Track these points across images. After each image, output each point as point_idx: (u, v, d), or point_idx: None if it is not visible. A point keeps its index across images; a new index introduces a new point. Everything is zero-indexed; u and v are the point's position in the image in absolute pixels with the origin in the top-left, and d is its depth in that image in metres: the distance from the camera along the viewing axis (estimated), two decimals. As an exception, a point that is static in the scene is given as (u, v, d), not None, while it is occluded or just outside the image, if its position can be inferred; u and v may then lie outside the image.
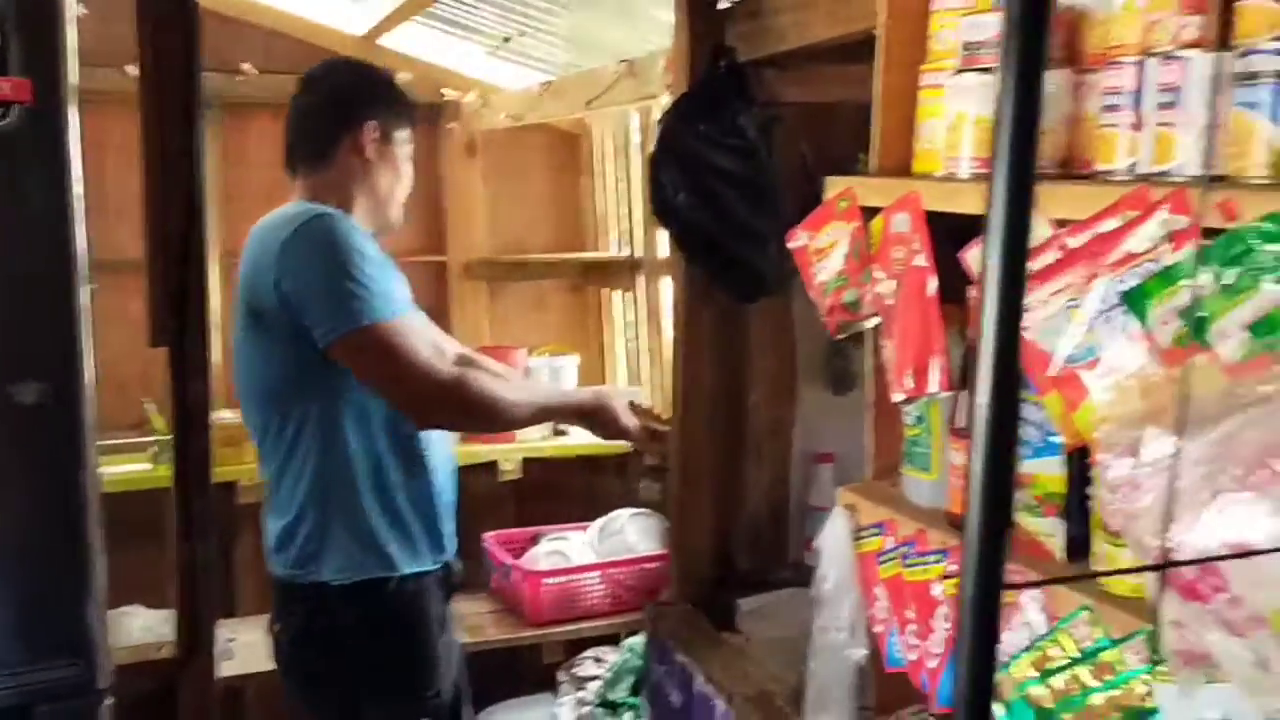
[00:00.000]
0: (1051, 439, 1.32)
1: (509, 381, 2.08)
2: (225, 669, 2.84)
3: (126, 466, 3.03)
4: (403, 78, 3.35)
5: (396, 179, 2.13)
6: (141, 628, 2.82)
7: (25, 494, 1.22)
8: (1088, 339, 1.13)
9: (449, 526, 2.14)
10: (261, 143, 3.35)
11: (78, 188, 1.22)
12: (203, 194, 1.78)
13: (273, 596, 2.11)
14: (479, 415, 2.00)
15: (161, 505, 2.28)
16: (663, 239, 2.95)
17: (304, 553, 2.00)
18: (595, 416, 2.13)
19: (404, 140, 2.14)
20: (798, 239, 1.60)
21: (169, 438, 2.04)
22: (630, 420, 2.15)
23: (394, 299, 1.94)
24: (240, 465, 3.18)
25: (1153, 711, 1.17)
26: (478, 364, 2.38)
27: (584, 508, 3.41)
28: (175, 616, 1.95)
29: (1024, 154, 0.57)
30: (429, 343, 2.00)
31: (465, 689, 2.27)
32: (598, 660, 3.14)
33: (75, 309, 1.19)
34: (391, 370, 1.89)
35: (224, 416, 3.24)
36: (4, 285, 1.21)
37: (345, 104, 2.10)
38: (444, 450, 2.13)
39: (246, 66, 3.13)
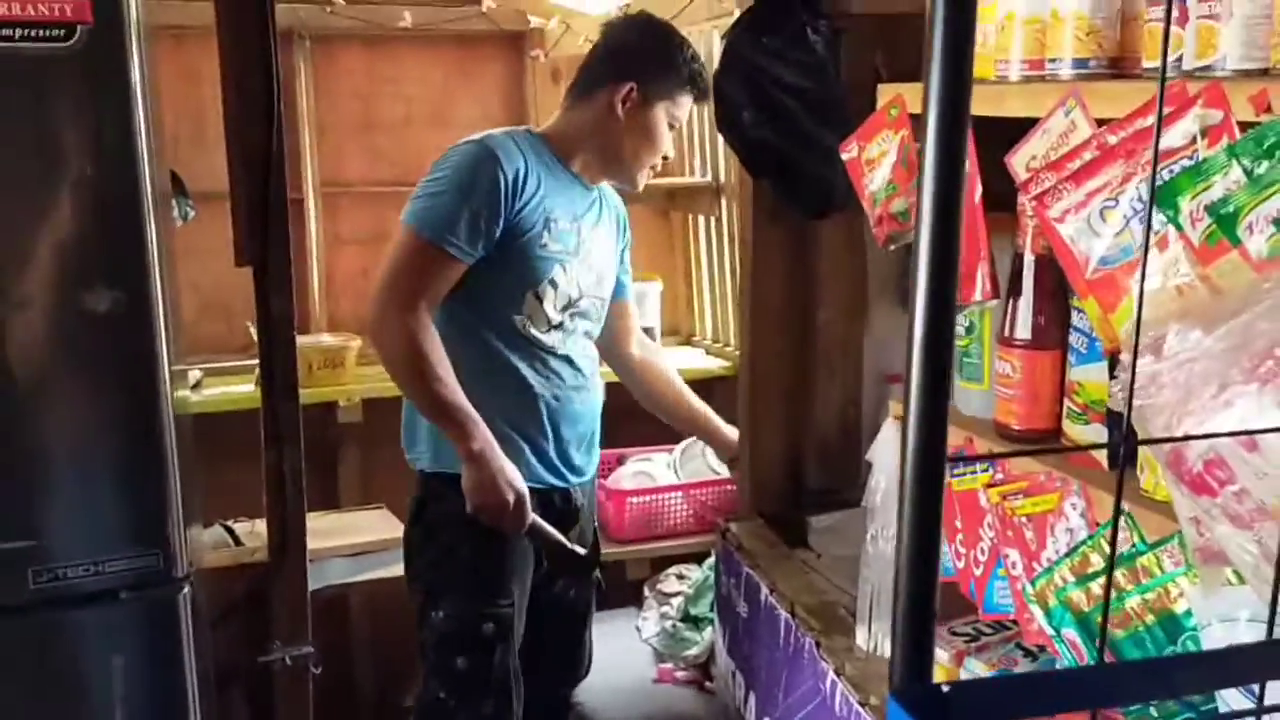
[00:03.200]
0: (1096, 345, 1.31)
1: (449, 375, 2.02)
2: (330, 577, 3.01)
3: (234, 388, 3.18)
4: (488, 5, 3.40)
5: (644, 143, 2.20)
6: (250, 537, 2.99)
7: (104, 398, 1.32)
8: (1123, 239, 1.12)
9: (564, 456, 2.23)
10: (353, 75, 3.43)
11: (143, 102, 1.29)
12: (280, 113, 1.85)
13: None
14: (387, 361, 2.06)
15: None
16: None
17: (414, 438, 2.19)
18: (483, 479, 2.03)
19: (666, 108, 2.19)
20: (850, 150, 1.59)
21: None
22: (509, 519, 2.06)
23: (455, 233, 2.00)
24: (341, 386, 3.31)
25: (1186, 614, 1.17)
26: (655, 355, 2.59)
27: (668, 431, 3.45)
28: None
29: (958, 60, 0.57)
30: (433, 284, 2.02)
31: (589, 612, 2.44)
32: (680, 577, 3.21)
33: (143, 218, 1.27)
34: (385, 267, 2.03)
35: (324, 339, 3.38)
36: (74, 198, 1.29)
37: (617, 58, 2.20)
38: (573, 381, 2.23)
39: (336, -3, 3.20)
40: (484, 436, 2.04)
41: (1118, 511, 0.72)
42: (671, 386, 2.58)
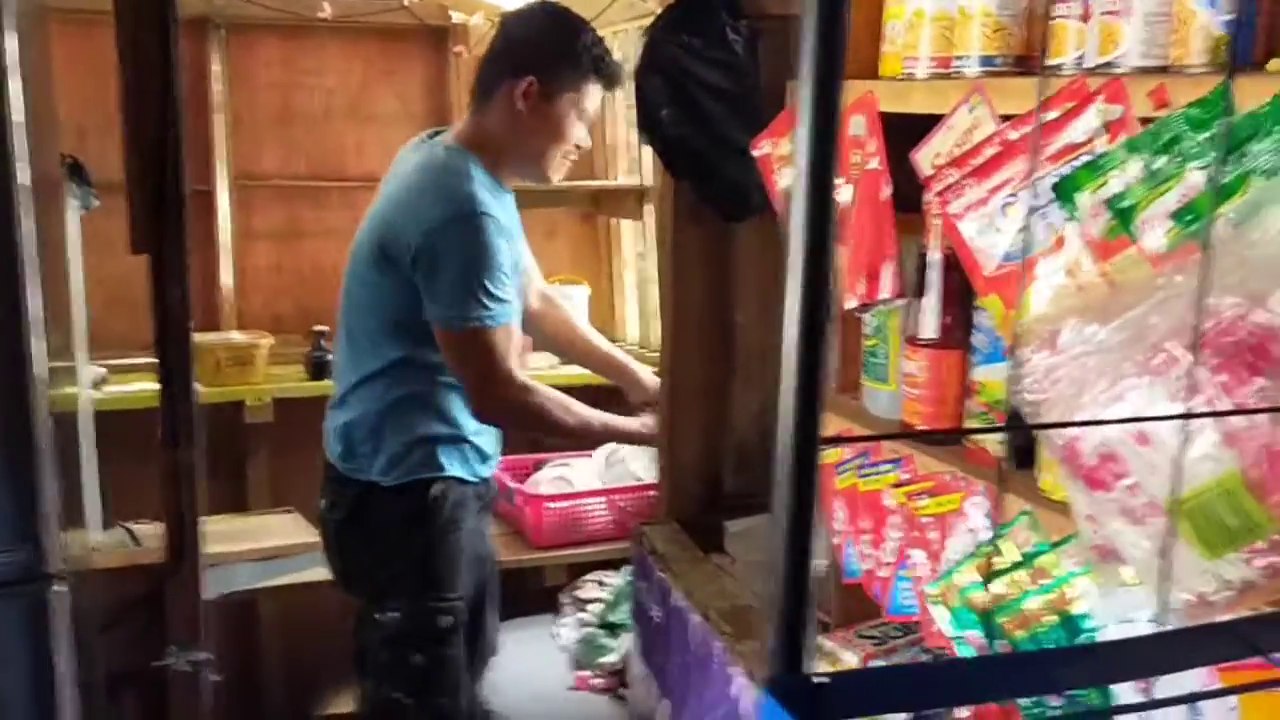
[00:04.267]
0: (999, 345, 1.30)
1: (570, 403, 2.22)
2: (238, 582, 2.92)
3: (139, 385, 3.07)
4: (410, 0, 3.35)
5: (552, 137, 2.16)
6: (151, 539, 2.88)
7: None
8: (1024, 236, 1.11)
9: (494, 447, 2.30)
10: (270, 65, 3.35)
11: (15, 76, 1.23)
12: (179, 101, 1.78)
13: (325, 478, 2.26)
14: (533, 427, 2.27)
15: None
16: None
17: (358, 453, 2.17)
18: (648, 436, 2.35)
19: (571, 100, 2.14)
20: (762, 147, 1.58)
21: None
22: None
23: (505, 306, 2.07)
24: (250, 385, 3.23)
25: (1084, 615, 1.17)
26: (555, 304, 2.57)
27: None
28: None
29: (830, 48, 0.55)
30: (515, 350, 2.14)
31: (494, 598, 2.45)
32: (600, 584, 3.17)
33: (13, 201, 1.20)
34: (476, 372, 2.09)
35: (233, 337, 3.30)
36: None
37: (513, 54, 2.15)
38: None
39: (253, -13, 3.13)
40: (629, 429, 2.37)
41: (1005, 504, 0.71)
42: (573, 329, 2.60)
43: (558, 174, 2.24)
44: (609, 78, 2.19)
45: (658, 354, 3.50)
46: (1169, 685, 0.81)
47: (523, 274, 2.26)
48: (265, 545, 2.95)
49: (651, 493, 3.09)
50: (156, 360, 1.89)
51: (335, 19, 3.26)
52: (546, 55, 2.13)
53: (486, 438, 2.28)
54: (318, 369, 3.21)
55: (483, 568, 2.42)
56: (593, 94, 2.17)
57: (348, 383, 2.22)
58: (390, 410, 2.14)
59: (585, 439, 2.38)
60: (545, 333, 2.59)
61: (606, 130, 3.70)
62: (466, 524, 2.23)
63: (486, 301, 2.04)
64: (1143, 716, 1.01)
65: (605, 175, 3.72)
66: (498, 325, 2.07)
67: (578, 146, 2.22)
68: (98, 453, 2.59)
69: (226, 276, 3.36)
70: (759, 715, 0.56)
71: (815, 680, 0.58)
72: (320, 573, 2.61)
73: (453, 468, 2.19)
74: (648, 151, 3.47)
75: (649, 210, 3.50)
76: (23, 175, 1.21)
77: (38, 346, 1.24)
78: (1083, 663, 0.66)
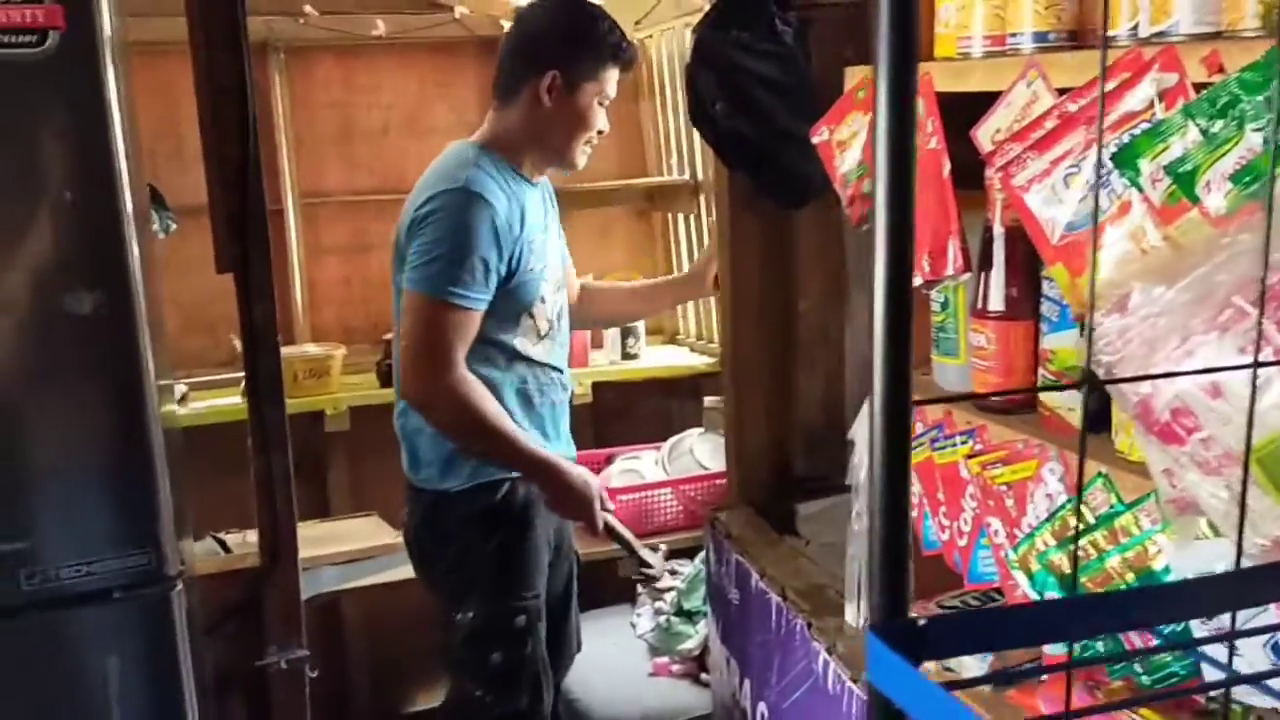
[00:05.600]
0: (1067, 312, 1.33)
1: (502, 414, 2.12)
2: (323, 585, 3.02)
3: (219, 401, 3.18)
4: (460, 12, 3.43)
5: (578, 125, 2.19)
6: (241, 547, 2.99)
7: (91, 401, 1.34)
8: (1087, 204, 1.14)
9: (558, 448, 2.30)
10: (328, 85, 3.44)
11: (119, 102, 1.31)
12: (255, 122, 1.86)
13: (404, 488, 2.31)
14: (457, 423, 2.11)
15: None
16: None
17: (422, 462, 2.21)
18: (566, 490, 2.20)
19: (594, 89, 2.18)
20: (821, 133, 1.61)
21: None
22: (599, 515, 2.27)
23: (475, 291, 2.04)
24: (327, 395, 3.32)
25: (1164, 571, 1.20)
26: (590, 288, 2.59)
27: (656, 429, 3.48)
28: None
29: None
30: (463, 341, 2.08)
31: (576, 596, 2.51)
32: (673, 572, 3.22)
33: (121, 218, 1.28)
34: (420, 341, 2.05)
35: (309, 349, 3.39)
36: (52, 202, 1.31)
37: (533, 50, 2.18)
38: (561, 385, 2.31)
39: (308, 8, 3.21)
40: (549, 461, 2.17)
41: (1083, 454, 0.74)
42: (614, 289, 2.67)
43: (582, 161, 2.27)
44: (626, 61, 2.22)
45: (715, 345, 3.57)
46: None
47: (546, 268, 2.24)
48: (348, 548, 3.04)
49: (718, 481, 3.14)
50: (245, 373, 1.97)
51: (389, 36, 3.34)
52: (568, 48, 2.16)
53: (556, 440, 2.31)
54: (388, 377, 3.30)
55: (566, 566, 2.47)
56: (612, 79, 2.21)
57: (397, 389, 2.26)
58: None
59: (504, 453, 2.14)
60: (594, 312, 2.62)
61: (659, 125, 3.75)
62: (539, 522, 2.27)
63: (454, 275, 2.02)
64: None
65: (658, 171, 3.77)
66: (457, 305, 2.03)
67: (600, 133, 2.25)
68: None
69: (298, 291, 3.47)
70: (869, 656, 0.61)
71: (919, 623, 0.63)
72: (402, 572, 2.69)
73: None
74: (700, 145, 3.52)
75: (702, 204, 3.55)
76: (127, 185, 1.28)
77: (149, 356, 1.32)
78: (1166, 600, 0.70)
